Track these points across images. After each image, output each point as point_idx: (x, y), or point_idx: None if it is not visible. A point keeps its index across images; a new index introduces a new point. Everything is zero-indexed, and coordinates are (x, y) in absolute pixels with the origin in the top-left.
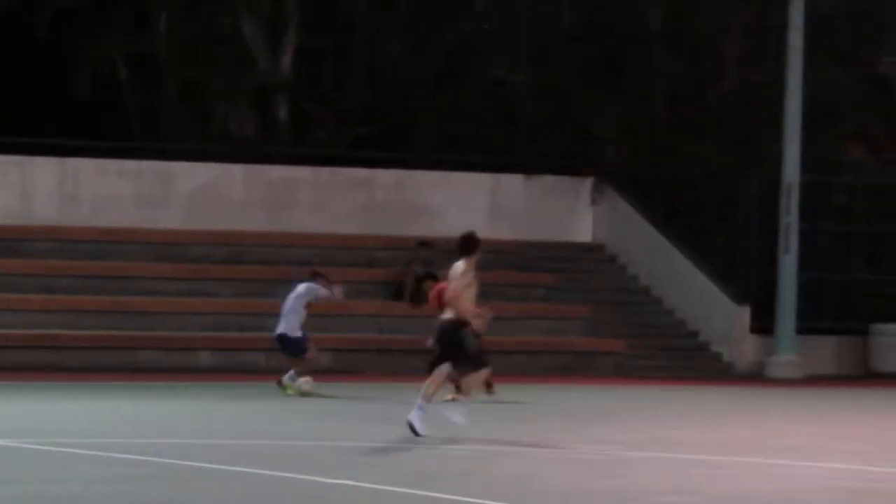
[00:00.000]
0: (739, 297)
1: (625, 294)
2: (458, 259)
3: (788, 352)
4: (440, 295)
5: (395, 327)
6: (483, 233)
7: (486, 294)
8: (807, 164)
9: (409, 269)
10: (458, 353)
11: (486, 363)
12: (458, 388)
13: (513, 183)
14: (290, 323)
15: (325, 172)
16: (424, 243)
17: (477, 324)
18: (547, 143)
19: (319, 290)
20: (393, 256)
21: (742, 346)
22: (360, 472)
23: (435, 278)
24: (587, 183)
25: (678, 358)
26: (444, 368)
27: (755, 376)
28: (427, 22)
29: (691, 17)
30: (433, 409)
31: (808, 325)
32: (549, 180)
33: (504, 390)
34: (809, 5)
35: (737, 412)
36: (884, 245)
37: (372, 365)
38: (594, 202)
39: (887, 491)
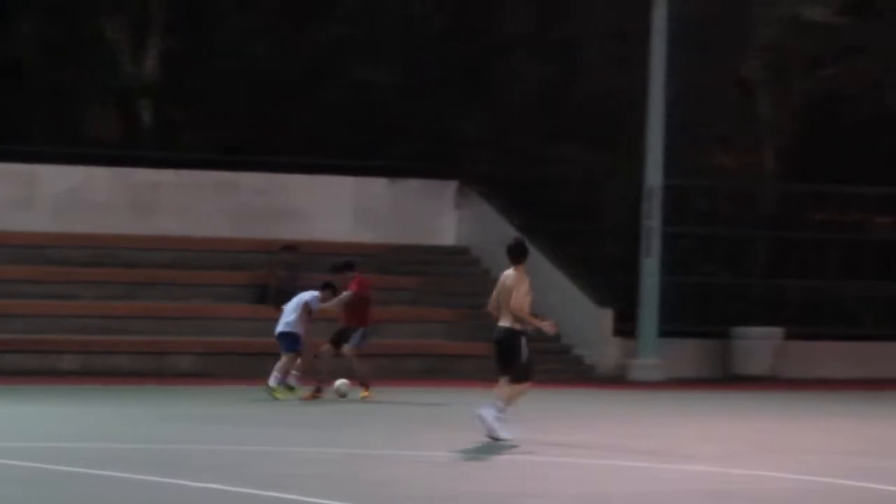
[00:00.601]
0: (602, 300)
1: (488, 297)
2: (509, 267)
3: (650, 355)
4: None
5: (261, 330)
6: (348, 236)
7: None
8: (669, 168)
9: (274, 272)
10: (511, 361)
11: (531, 378)
12: (366, 388)
13: (377, 186)
14: (288, 319)
15: (191, 175)
16: (289, 247)
17: (547, 327)
18: (412, 147)
19: (317, 302)
20: (258, 260)
21: (604, 349)
22: (226, 475)
23: (333, 288)
24: (451, 186)
25: (540, 361)
26: (515, 386)
27: (617, 379)
28: (293, 24)
29: (556, 22)
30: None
31: (670, 328)
32: (413, 184)
33: (372, 393)
34: (673, 10)
35: (599, 415)
36: (744, 249)
37: (238, 368)
38: (458, 206)
39: (748, 493)
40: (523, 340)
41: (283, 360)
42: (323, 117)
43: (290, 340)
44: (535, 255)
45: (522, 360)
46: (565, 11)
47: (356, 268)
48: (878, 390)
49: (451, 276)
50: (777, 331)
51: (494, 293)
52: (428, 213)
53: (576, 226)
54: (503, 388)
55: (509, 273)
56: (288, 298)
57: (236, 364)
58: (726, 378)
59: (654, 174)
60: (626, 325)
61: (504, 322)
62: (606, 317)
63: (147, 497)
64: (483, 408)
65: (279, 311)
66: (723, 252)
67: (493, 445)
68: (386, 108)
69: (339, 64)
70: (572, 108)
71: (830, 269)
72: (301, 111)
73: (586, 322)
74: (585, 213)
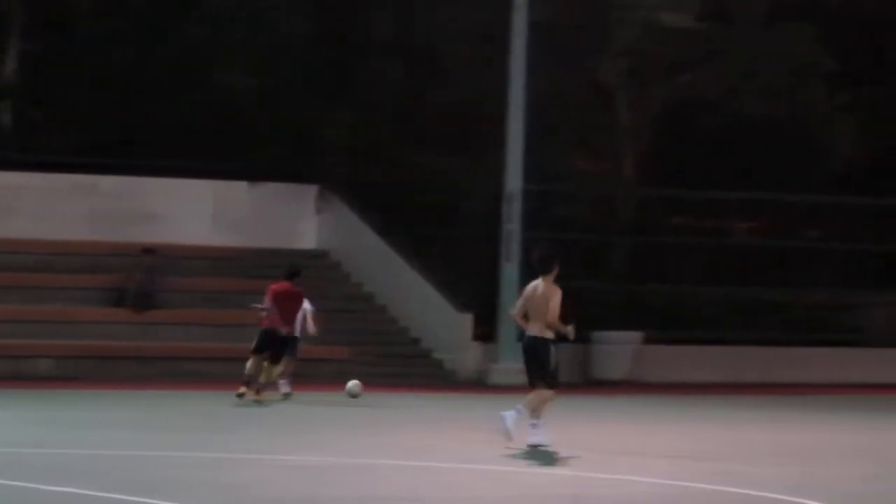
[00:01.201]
0: (462, 304)
1: (349, 301)
2: (537, 278)
3: (510, 359)
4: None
5: (119, 334)
6: (207, 240)
7: (210, 301)
8: (529, 173)
9: (132, 275)
10: (543, 368)
11: (557, 385)
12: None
13: (237, 190)
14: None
15: (49, 178)
16: (148, 250)
17: (570, 332)
18: (272, 151)
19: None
20: (117, 263)
21: (464, 354)
22: (82, 479)
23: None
24: (312, 190)
25: (401, 365)
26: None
27: (477, 383)
28: (154, 26)
29: (416, 26)
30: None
31: None
32: (273, 187)
33: (230, 398)
34: (533, 14)
35: (459, 419)
36: (604, 253)
37: (96, 371)
38: (319, 210)
39: (606, 496)
40: (553, 348)
41: (289, 365)
42: (183, 120)
43: (290, 346)
44: (395, 259)
45: (551, 368)
46: (426, 15)
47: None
48: (737, 394)
49: (310, 280)
50: (636, 335)
51: (520, 302)
52: (288, 217)
53: (436, 230)
54: (532, 399)
55: (538, 284)
56: (146, 301)
57: (95, 367)
58: (586, 382)
59: (514, 179)
60: (486, 330)
61: (534, 331)
62: (466, 321)
63: (4, 502)
64: (503, 415)
65: (138, 313)
66: (583, 257)
67: (355, 449)
68: (247, 111)
69: (200, 67)
70: (434, 112)
71: (689, 273)
72: (161, 114)
73: (446, 326)
74: (446, 217)
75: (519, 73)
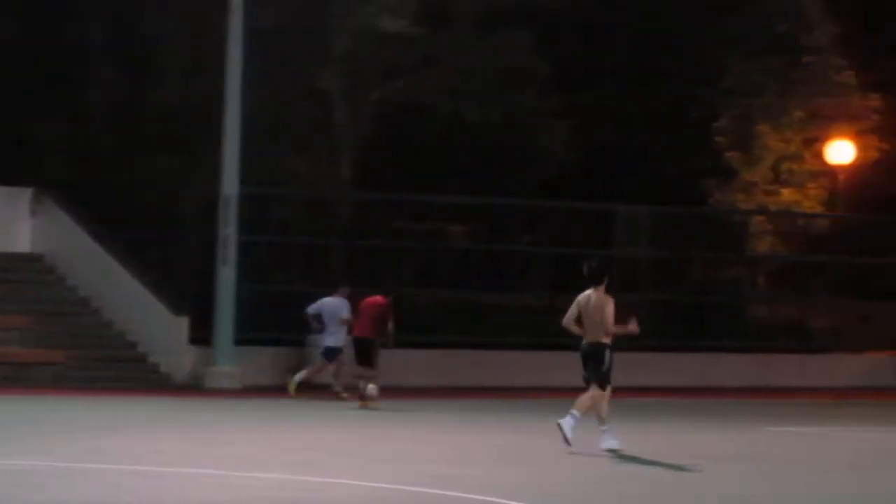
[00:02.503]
0: (177, 307)
1: (64, 305)
2: (589, 288)
3: (226, 362)
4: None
5: None
6: None
7: None
8: (246, 175)
9: None
10: (598, 370)
11: (609, 384)
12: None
13: None
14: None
15: None
16: None
17: (632, 327)
18: None
19: None
20: None
21: (179, 357)
22: None
23: None
24: (26, 193)
25: (117, 369)
26: (595, 390)
27: (193, 387)
28: None
29: (132, 28)
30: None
31: (247, 336)
32: None
33: None
34: (250, 18)
35: (174, 423)
36: (321, 257)
37: None
38: (33, 213)
39: (324, 500)
40: (608, 353)
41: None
42: None
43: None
44: (110, 262)
45: (605, 369)
46: (141, 18)
47: None
48: (453, 398)
49: (25, 283)
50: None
51: (572, 311)
52: (2, 221)
53: (153, 233)
54: (582, 399)
55: (590, 294)
56: None
57: None
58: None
59: (230, 182)
60: (202, 333)
61: (593, 338)
62: (182, 325)
63: None
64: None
65: None
66: (300, 260)
67: (67, 453)
68: None
69: None
70: (150, 115)
71: (406, 276)
72: None
73: (162, 330)
74: (163, 220)
75: (235, 77)
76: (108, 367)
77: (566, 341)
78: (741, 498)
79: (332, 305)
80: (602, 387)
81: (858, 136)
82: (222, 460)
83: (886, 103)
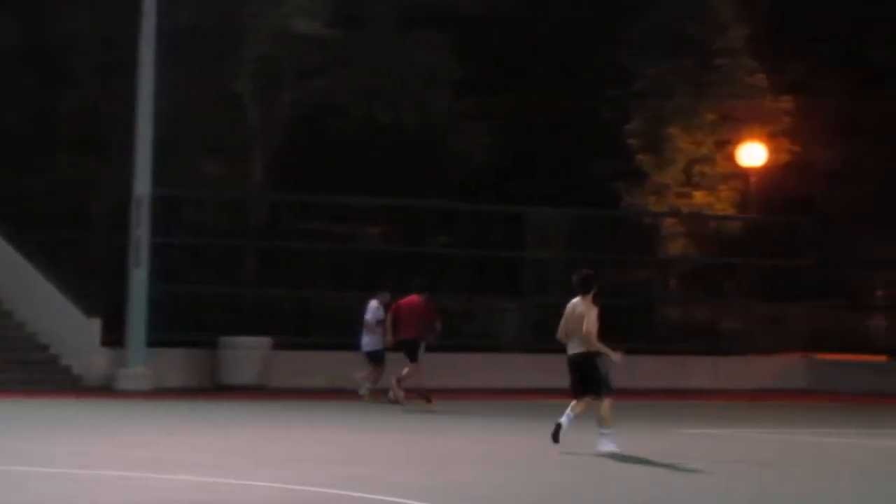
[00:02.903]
0: (90, 309)
1: None
2: (575, 296)
3: (139, 364)
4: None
5: None
6: None
7: None
8: (159, 177)
9: None
10: (592, 378)
11: (614, 388)
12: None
13: None
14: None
15: None
16: None
17: (615, 357)
18: None
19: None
20: None
21: (92, 359)
22: None
23: None
24: None
25: (29, 371)
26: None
27: (106, 389)
28: None
29: (44, 29)
30: None
31: (160, 337)
32: None
33: None
34: (164, 19)
35: (87, 425)
36: (234, 259)
37: None
38: None
39: (237, 502)
40: (597, 360)
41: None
42: None
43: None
44: (22, 263)
45: (602, 374)
46: (54, 19)
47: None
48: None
49: None
50: (266, 340)
51: (563, 321)
52: None
53: (65, 235)
54: (604, 412)
55: (577, 302)
56: None
57: None
58: (216, 388)
59: (142, 183)
60: (114, 335)
61: (578, 348)
62: (94, 326)
63: None
64: (600, 445)
65: None
66: (213, 262)
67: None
68: None
69: None
70: (63, 116)
71: (320, 278)
72: None
73: (74, 332)
74: (75, 222)
75: (148, 78)
76: (19, 369)
77: (482, 344)
78: (647, 501)
79: (369, 310)
80: (609, 393)
81: (770, 139)
82: (136, 462)
83: (797, 106)
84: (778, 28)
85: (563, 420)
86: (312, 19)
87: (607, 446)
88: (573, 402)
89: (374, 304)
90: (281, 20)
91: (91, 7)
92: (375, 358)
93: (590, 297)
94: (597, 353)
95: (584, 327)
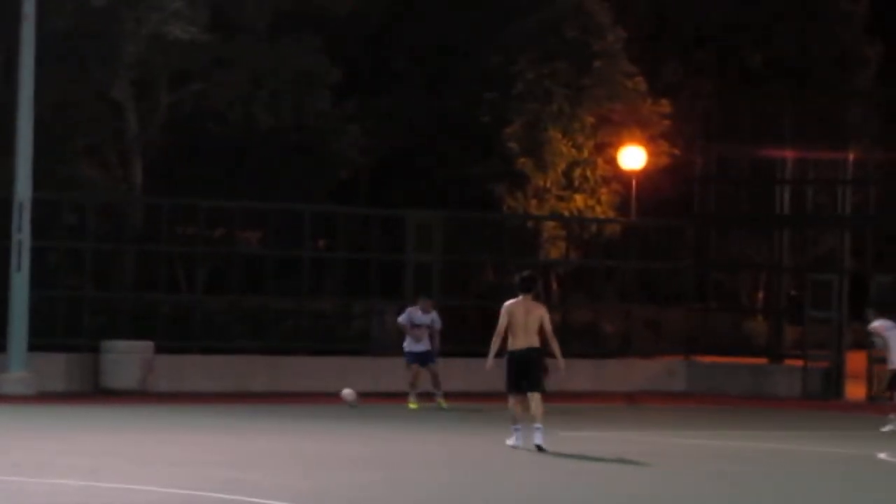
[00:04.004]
0: None
1: None
2: (518, 296)
3: (20, 368)
4: None
5: None
6: None
7: None
8: (39, 181)
9: None
10: (538, 376)
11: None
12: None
13: None
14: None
15: None
16: None
17: (562, 364)
18: None
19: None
20: None
21: None
22: None
23: None
24: None
25: None
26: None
27: None
28: None
29: None
30: None
31: (39, 341)
32: None
33: None
34: (43, 21)
35: None
36: (113, 263)
37: None
38: None
39: None
40: (544, 358)
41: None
42: None
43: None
44: None
45: (542, 373)
46: None
47: None
48: (246, 403)
49: None
50: (146, 344)
51: (502, 322)
52: None
53: None
54: (535, 407)
55: (522, 302)
56: None
57: None
58: (96, 392)
59: (24, 188)
60: None
61: (529, 343)
62: None
63: None
64: (535, 440)
65: None
66: (92, 266)
67: None
68: None
69: None
70: None
71: (199, 282)
72: None
73: None
74: None
75: (28, 82)
76: None
77: (358, 347)
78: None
79: (410, 314)
80: (542, 389)
81: (649, 142)
82: (16, 466)
83: (675, 108)
84: (654, 32)
85: (517, 436)
86: (189, 24)
87: (517, 441)
88: (513, 406)
89: (411, 310)
90: (157, 26)
91: None
92: (419, 360)
93: (531, 296)
94: (545, 353)
95: (548, 328)
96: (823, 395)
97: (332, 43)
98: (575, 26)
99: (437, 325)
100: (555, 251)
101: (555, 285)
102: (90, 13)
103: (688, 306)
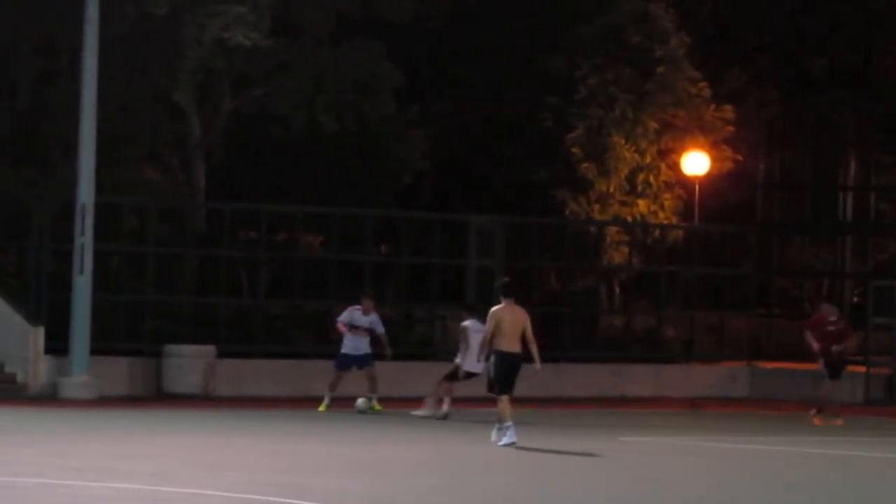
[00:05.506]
0: (33, 317)
1: None
2: (500, 302)
3: (82, 372)
4: None
5: None
6: None
7: None
8: (101, 185)
9: None
10: (512, 382)
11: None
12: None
13: None
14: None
15: None
16: None
17: (538, 366)
18: None
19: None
20: None
21: (35, 367)
22: None
23: None
24: None
25: None
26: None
27: (49, 397)
28: None
29: None
30: None
31: (102, 345)
32: None
33: None
34: (105, 27)
35: (29, 433)
36: (175, 267)
37: None
38: None
39: None
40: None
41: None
42: None
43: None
44: None
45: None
46: None
47: None
48: (308, 407)
49: None
50: (209, 349)
51: (489, 326)
52: None
53: (7, 243)
54: (504, 407)
55: (507, 308)
56: None
57: None
58: (158, 396)
59: (86, 191)
60: (58, 343)
61: (516, 348)
62: (38, 334)
63: None
64: (504, 438)
65: None
66: (154, 270)
67: None
68: None
69: None
70: (2, 124)
71: (261, 287)
72: None
73: (18, 340)
74: (15, 229)
75: (91, 86)
76: None
77: (421, 352)
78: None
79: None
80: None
81: (712, 147)
82: (78, 471)
83: (738, 114)
84: (718, 37)
85: (510, 433)
86: (251, 29)
87: (512, 437)
88: (503, 407)
89: (352, 310)
90: (219, 31)
91: (31, 14)
92: (357, 363)
93: (513, 299)
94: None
95: (529, 332)
96: (886, 402)
97: (393, 47)
98: (638, 31)
99: (379, 328)
100: (618, 256)
101: (617, 290)
102: (152, 18)
103: (750, 312)
